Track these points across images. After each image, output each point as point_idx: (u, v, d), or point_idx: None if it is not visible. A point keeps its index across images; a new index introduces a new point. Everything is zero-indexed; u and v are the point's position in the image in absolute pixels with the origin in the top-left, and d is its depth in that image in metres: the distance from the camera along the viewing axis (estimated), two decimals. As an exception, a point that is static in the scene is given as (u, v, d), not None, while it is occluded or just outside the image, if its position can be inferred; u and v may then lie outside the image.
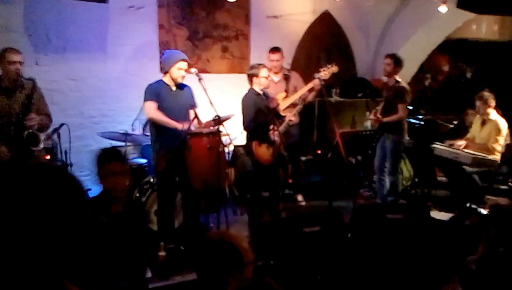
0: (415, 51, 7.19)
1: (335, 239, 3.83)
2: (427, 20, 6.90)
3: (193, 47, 5.96)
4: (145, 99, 4.23)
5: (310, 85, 5.18)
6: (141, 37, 5.52)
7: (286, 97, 5.30)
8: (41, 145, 3.93)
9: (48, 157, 4.42)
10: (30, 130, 3.82)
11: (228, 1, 5.57)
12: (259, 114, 4.78)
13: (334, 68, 5.13)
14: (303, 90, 5.26)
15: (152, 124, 4.30)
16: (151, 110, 4.19)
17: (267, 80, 4.88)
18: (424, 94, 7.92)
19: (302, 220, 3.89)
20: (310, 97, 5.41)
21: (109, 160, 2.69)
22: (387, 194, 5.41)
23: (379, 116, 5.19)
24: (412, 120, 5.99)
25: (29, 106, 3.84)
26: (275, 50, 5.45)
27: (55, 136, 4.44)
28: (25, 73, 3.90)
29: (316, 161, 6.22)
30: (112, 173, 2.65)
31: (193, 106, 4.36)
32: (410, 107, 5.69)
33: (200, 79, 4.25)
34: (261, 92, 4.84)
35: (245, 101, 4.82)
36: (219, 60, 6.20)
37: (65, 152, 4.46)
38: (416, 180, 5.94)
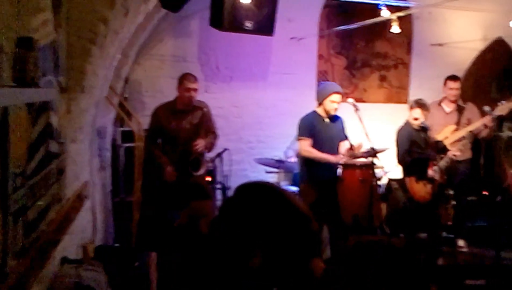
0: None
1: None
2: None
3: (350, 76, 5.95)
4: (299, 135, 4.29)
5: (483, 121, 4.70)
6: (300, 66, 5.69)
7: (456, 130, 4.88)
8: (202, 171, 4.08)
9: (209, 178, 4.75)
10: (195, 156, 3.99)
11: (392, 32, 5.40)
12: (414, 148, 4.50)
13: None
14: (476, 124, 4.77)
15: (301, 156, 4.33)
16: (305, 147, 4.23)
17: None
18: None
19: (463, 271, 3.51)
20: (484, 133, 4.91)
21: None
22: None
23: None
24: None
25: (198, 130, 4.05)
26: (454, 78, 5.06)
27: (217, 160, 4.75)
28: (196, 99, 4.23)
29: (481, 203, 5.56)
30: None
31: (344, 138, 4.29)
32: None
33: (356, 110, 4.18)
34: (419, 125, 4.56)
35: (399, 133, 4.61)
36: (376, 89, 6.08)
37: (225, 175, 4.72)
38: None
